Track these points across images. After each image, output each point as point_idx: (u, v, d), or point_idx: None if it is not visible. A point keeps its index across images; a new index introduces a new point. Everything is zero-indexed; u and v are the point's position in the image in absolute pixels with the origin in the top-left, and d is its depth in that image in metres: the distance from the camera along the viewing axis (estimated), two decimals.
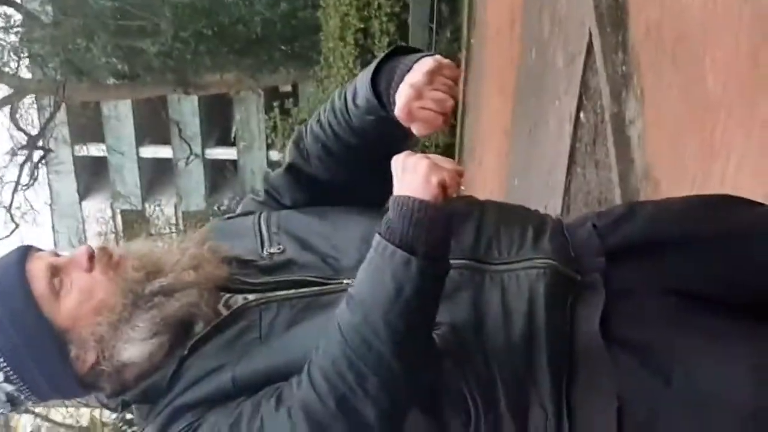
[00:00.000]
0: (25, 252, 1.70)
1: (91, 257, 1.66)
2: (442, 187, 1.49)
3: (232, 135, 26.67)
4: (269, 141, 19.05)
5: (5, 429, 23.24)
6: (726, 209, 1.88)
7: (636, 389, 1.57)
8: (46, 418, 21.71)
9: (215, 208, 22.38)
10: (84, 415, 21.49)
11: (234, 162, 26.03)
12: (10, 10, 21.78)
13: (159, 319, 1.63)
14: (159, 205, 25.19)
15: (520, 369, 1.57)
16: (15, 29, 21.81)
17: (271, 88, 22.04)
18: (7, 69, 21.40)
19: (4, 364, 1.62)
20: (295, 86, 21.98)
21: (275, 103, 16.87)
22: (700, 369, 1.59)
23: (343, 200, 1.85)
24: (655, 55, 4.70)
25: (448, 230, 1.51)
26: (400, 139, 1.68)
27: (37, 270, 1.65)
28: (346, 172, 1.83)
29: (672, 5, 4.43)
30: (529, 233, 1.74)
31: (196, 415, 1.57)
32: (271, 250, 1.78)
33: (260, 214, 1.87)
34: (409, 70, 1.61)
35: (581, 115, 6.01)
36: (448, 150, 13.49)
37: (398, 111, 1.58)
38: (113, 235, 24.99)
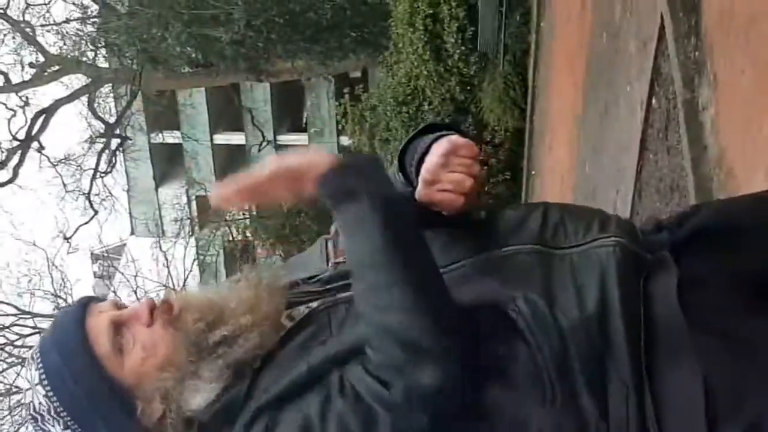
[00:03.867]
0: (85, 307, 1.70)
1: (152, 311, 1.66)
2: None
3: (304, 121, 26.83)
4: (340, 127, 19.09)
5: None
6: None
7: (720, 366, 1.52)
8: None
9: None
10: None
11: (305, 147, 26.20)
12: (87, 1, 22.17)
13: (225, 367, 1.63)
14: None
15: (595, 341, 1.53)
16: (92, 20, 22.18)
17: (341, 74, 22.12)
18: (84, 59, 21.78)
19: (73, 423, 1.63)
20: (365, 72, 22.05)
21: (345, 89, 16.91)
22: None
23: None
24: (729, 39, 4.60)
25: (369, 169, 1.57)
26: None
27: (99, 327, 1.65)
28: None
29: None
30: (595, 222, 1.72)
31: (271, 417, 1.56)
32: (336, 261, 1.81)
33: (329, 238, 1.89)
34: (426, 152, 1.67)
35: (653, 101, 5.92)
36: (518, 135, 13.39)
37: (418, 196, 1.66)
38: (188, 222, 25.32)
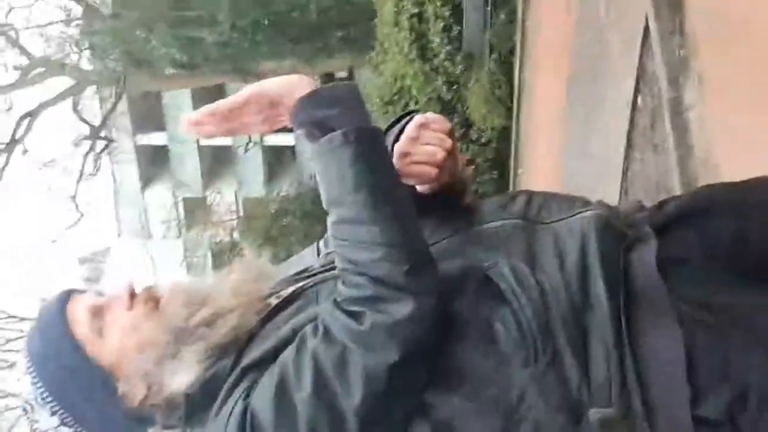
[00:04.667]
0: (66, 297, 1.73)
1: (132, 295, 1.69)
2: None
3: None
4: None
5: None
6: None
7: (701, 334, 1.53)
8: None
9: (275, 194, 22.51)
10: None
11: (292, 148, 26.15)
12: (70, 3, 22.12)
13: (204, 349, 1.63)
14: (219, 193, 25.42)
15: (576, 302, 1.54)
16: (75, 22, 22.15)
17: (327, 74, 22.09)
18: (68, 61, 21.74)
19: (57, 406, 1.64)
20: (350, 72, 21.99)
21: None
22: (759, 316, 1.57)
23: None
24: (713, 39, 4.61)
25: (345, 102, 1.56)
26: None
27: (79, 312, 1.68)
28: None
29: None
30: (577, 201, 1.76)
31: (255, 375, 1.56)
32: (327, 251, 1.81)
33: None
34: (401, 131, 1.71)
35: (638, 99, 5.93)
36: (504, 133, 13.42)
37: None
38: (175, 224, 25.31)
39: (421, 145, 1.69)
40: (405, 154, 1.68)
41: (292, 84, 1.58)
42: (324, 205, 1.56)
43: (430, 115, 1.74)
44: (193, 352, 1.62)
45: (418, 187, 1.73)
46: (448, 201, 1.78)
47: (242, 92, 1.60)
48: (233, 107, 1.59)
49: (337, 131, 1.51)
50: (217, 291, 1.72)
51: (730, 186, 1.89)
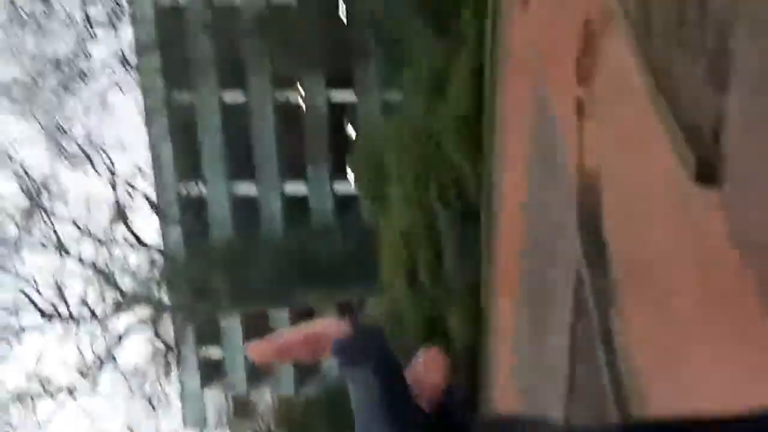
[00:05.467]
0: None
1: None
2: None
3: None
4: None
5: None
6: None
7: None
8: None
9: (302, 395, 22.04)
10: None
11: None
12: (156, 254, 22.66)
13: None
14: (259, 393, 24.93)
15: None
16: (157, 267, 22.57)
17: (344, 302, 22.23)
18: (151, 295, 22.02)
19: None
20: (360, 302, 22.20)
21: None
22: None
23: None
24: (632, 284, 4.69)
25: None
26: None
27: None
28: None
29: (642, 247, 4.47)
30: None
31: None
32: None
33: None
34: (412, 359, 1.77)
35: (578, 328, 5.94)
36: (473, 348, 13.49)
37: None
38: (226, 416, 24.65)
39: (426, 371, 1.73)
40: (416, 379, 1.70)
41: (334, 326, 1.61)
42: (352, 408, 1.57)
43: (433, 352, 1.77)
44: None
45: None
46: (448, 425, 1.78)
47: (297, 331, 1.62)
48: (286, 345, 1.61)
49: (368, 364, 1.55)
50: None
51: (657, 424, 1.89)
